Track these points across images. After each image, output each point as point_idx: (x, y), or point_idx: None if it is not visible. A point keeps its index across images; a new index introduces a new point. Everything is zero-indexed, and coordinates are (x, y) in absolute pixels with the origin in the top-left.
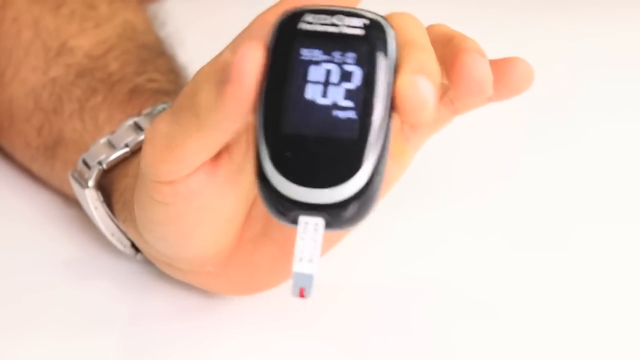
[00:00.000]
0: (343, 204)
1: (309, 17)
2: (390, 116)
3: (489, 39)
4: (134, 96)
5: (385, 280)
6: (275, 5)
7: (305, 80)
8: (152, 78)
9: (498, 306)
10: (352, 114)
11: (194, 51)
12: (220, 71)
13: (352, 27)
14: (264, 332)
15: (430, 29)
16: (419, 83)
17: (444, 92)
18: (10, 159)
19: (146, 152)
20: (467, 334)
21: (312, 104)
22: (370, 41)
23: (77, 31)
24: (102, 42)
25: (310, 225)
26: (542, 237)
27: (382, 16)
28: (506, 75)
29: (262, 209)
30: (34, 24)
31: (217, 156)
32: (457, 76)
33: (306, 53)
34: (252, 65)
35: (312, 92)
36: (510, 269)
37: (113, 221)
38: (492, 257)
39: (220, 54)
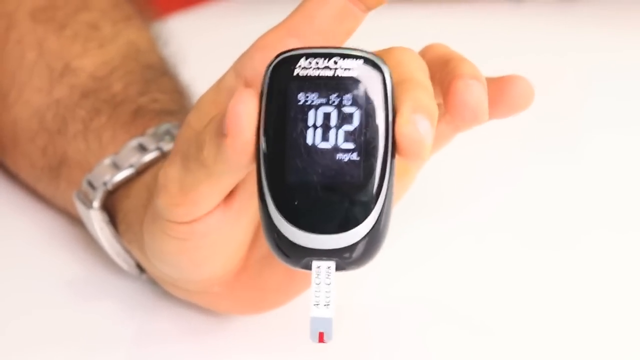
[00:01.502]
0: (354, 246)
1: (303, 62)
2: (393, 154)
3: (494, 53)
4: (137, 117)
5: (387, 296)
6: (274, 30)
7: (304, 126)
8: (156, 98)
9: (499, 318)
10: (354, 156)
11: (197, 69)
12: (218, 123)
13: (347, 69)
14: (270, 352)
15: (428, 50)
16: (417, 123)
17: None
18: (15, 178)
19: (161, 196)
20: (468, 347)
21: (313, 149)
22: (366, 82)
23: (81, 52)
24: (106, 62)
25: (323, 269)
26: (544, 247)
27: (376, 55)
28: (506, 93)
29: None
30: (37, 45)
31: (231, 191)
32: (451, 103)
33: (303, 98)
34: (247, 117)
35: (313, 137)
36: (512, 277)
37: (118, 242)
38: (493, 265)
39: (223, 77)
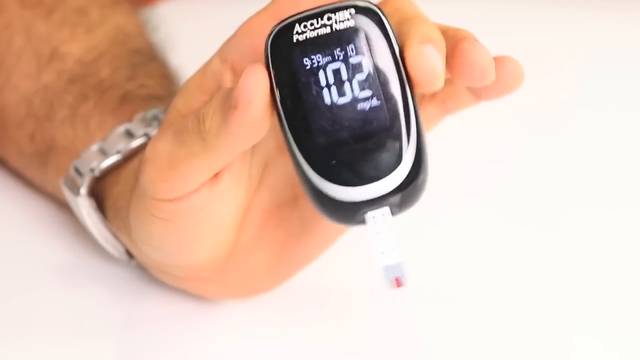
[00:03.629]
0: (403, 185)
1: (298, 27)
2: (411, 87)
3: (486, 32)
4: (124, 102)
5: (379, 280)
6: (259, 14)
7: (319, 87)
8: (143, 83)
9: (488, 299)
10: (375, 101)
11: (186, 54)
12: (226, 96)
13: (342, 21)
14: (259, 336)
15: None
16: (427, 51)
17: (434, 93)
18: (3, 164)
19: (147, 170)
20: (458, 329)
21: (334, 107)
22: (364, 27)
23: (69, 37)
24: (93, 47)
25: (379, 218)
26: (534, 228)
27: (366, 0)
28: (496, 74)
29: (257, 214)
30: (25, 30)
31: (216, 172)
32: (459, 64)
33: (309, 61)
34: (258, 89)
35: (330, 96)
36: (501, 257)
37: (107, 228)
38: (482, 246)
39: (209, 62)
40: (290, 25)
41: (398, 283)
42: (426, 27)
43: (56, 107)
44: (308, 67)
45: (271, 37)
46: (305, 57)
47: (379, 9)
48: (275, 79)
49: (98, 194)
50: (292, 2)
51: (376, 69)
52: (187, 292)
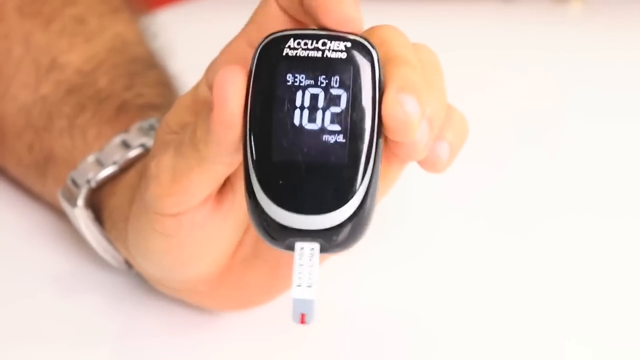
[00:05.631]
0: (338, 228)
1: (292, 43)
2: (379, 136)
3: (478, 37)
4: (121, 112)
5: (372, 294)
6: (235, 39)
7: (292, 106)
8: (141, 92)
9: (477, 306)
10: (341, 138)
11: (186, 62)
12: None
13: (335, 50)
14: (256, 347)
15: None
16: (403, 101)
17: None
18: (3, 172)
19: (152, 186)
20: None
21: (300, 129)
22: (354, 63)
23: (67, 47)
24: (92, 57)
25: (306, 251)
26: (522, 234)
27: (364, 37)
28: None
29: (254, 232)
30: (24, 40)
31: (221, 189)
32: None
33: (291, 78)
34: (233, 88)
35: (300, 118)
36: (491, 263)
37: (105, 239)
38: (473, 252)
39: (197, 86)
40: (285, 38)
41: (302, 319)
42: (407, 70)
43: (54, 118)
44: (289, 83)
45: (263, 43)
46: (290, 73)
47: (374, 48)
48: (253, 84)
49: (95, 205)
50: (258, 29)
51: (353, 106)
52: (185, 302)
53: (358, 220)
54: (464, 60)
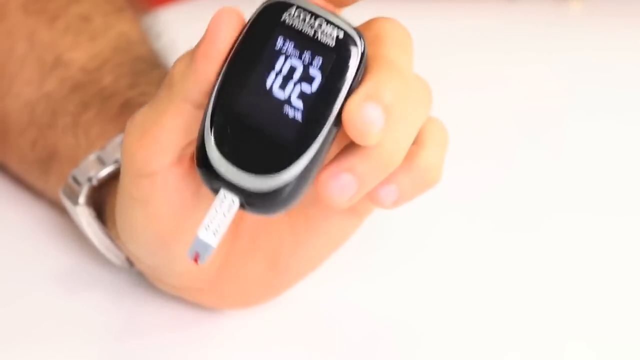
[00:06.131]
0: (260, 195)
1: (293, 10)
2: (334, 129)
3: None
4: (125, 111)
5: (371, 296)
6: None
7: (270, 68)
8: (145, 91)
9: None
10: (298, 116)
11: None
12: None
13: (327, 35)
14: (257, 346)
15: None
16: (366, 110)
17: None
18: (5, 169)
19: (124, 143)
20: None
21: (267, 93)
22: (337, 55)
23: (72, 44)
24: (97, 55)
25: (227, 201)
26: (524, 234)
27: (361, 33)
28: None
29: (249, 224)
30: (28, 37)
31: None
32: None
33: (280, 44)
34: (227, 28)
35: (272, 82)
36: (492, 261)
37: (107, 236)
38: (473, 249)
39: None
40: (289, 5)
41: (196, 258)
42: (385, 75)
43: (58, 115)
44: (276, 48)
45: (268, 2)
46: (281, 38)
47: (364, 49)
48: (245, 35)
49: (97, 203)
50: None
51: (322, 92)
52: (185, 300)
53: (279, 197)
54: (465, 59)
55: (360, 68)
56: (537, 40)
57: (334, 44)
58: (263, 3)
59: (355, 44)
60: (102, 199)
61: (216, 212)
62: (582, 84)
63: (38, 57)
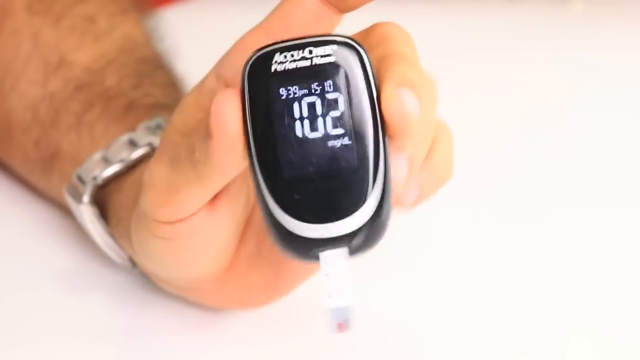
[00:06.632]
0: (360, 230)
1: (278, 57)
2: (384, 131)
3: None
4: (129, 111)
5: (375, 294)
6: (252, 31)
7: (291, 119)
8: (149, 92)
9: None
10: (346, 140)
11: (192, 61)
12: (206, 125)
13: (323, 55)
14: (262, 347)
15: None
16: (402, 96)
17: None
18: (7, 169)
19: (147, 195)
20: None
21: (304, 140)
22: (343, 64)
23: (77, 45)
24: (101, 56)
25: (332, 258)
26: (527, 231)
27: (348, 37)
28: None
29: (255, 230)
30: (33, 37)
31: (215, 194)
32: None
33: (285, 92)
34: (230, 116)
35: (302, 129)
36: (494, 260)
37: (110, 236)
38: (475, 247)
39: (205, 79)
40: (270, 54)
41: (340, 328)
42: (405, 67)
43: (62, 115)
44: (283, 98)
45: (249, 63)
46: (282, 87)
47: (361, 46)
48: (249, 105)
49: (101, 202)
50: (282, 20)
51: (351, 107)
52: (189, 301)
53: (378, 219)
54: (465, 59)
55: (371, 65)
56: (538, 40)
57: (334, 58)
58: (245, 66)
59: (353, 46)
60: (105, 197)
61: (329, 275)
62: (583, 83)
63: (42, 57)
